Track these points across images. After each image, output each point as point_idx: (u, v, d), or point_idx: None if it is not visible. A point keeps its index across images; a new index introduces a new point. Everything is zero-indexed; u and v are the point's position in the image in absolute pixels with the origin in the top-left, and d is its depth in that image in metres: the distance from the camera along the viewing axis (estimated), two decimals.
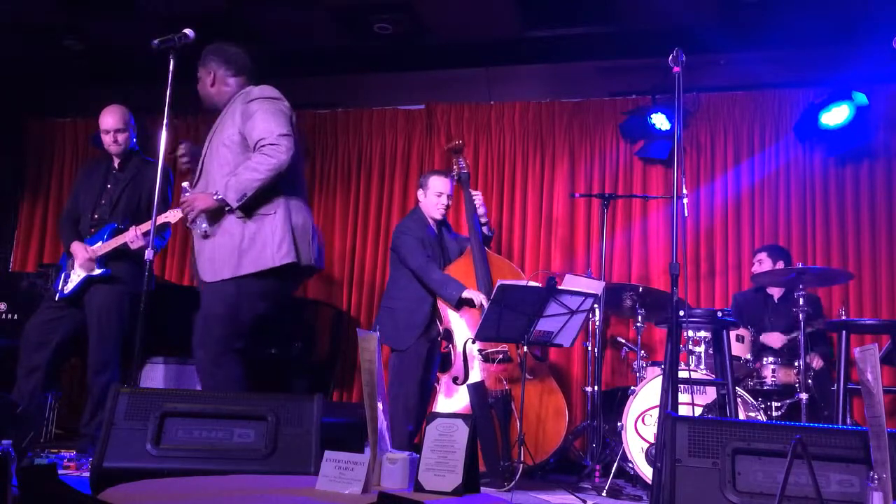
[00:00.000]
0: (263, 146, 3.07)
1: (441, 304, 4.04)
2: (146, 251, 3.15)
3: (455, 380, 4.00)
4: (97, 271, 3.94)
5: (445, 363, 4.11)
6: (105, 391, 3.42)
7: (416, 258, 4.04)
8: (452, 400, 3.97)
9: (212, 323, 3.09)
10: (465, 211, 4.37)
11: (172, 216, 3.88)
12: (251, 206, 3.10)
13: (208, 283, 3.14)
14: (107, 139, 4.09)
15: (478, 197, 4.35)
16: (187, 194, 3.18)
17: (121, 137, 4.07)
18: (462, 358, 4.00)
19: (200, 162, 3.28)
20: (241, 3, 4.89)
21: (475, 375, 3.98)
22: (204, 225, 3.13)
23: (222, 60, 3.33)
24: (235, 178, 3.08)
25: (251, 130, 3.12)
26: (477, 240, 4.19)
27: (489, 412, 3.84)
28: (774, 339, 4.41)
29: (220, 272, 3.11)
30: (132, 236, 3.87)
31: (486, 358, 4.01)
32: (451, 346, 4.07)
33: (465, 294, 3.95)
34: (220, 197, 3.09)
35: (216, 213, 3.13)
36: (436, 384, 4.11)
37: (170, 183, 4.12)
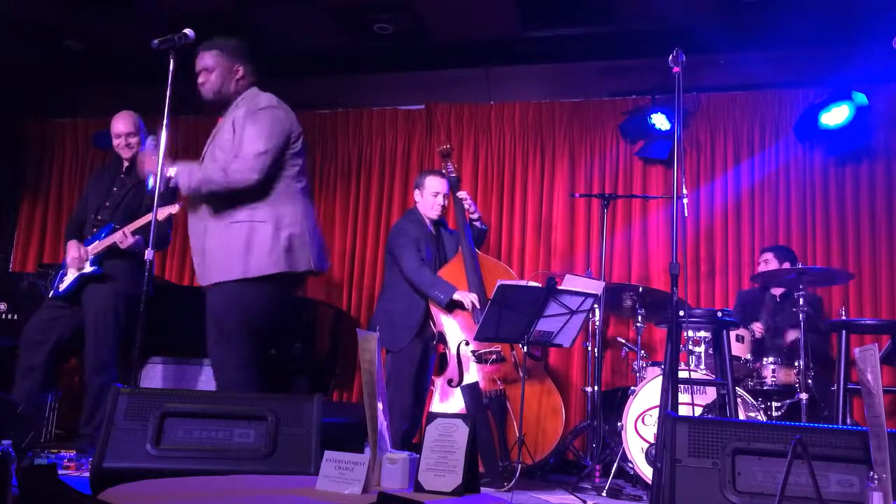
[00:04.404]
0: (242, 160, 3.06)
1: (433, 307, 4.05)
2: (146, 251, 3.13)
3: (450, 382, 4.00)
4: (89, 269, 3.94)
5: (441, 366, 4.11)
6: (103, 392, 3.42)
7: (407, 261, 4.04)
8: (448, 402, 3.97)
9: (224, 324, 3.09)
10: (454, 214, 4.37)
11: (161, 213, 3.85)
12: (243, 213, 3.09)
13: (218, 284, 3.11)
14: (118, 143, 4.15)
15: (465, 197, 4.34)
16: (145, 150, 3.17)
17: (132, 141, 4.12)
18: (456, 360, 4.00)
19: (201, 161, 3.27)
20: (241, 3, 4.88)
21: (470, 377, 3.98)
22: (151, 180, 3.13)
23: (244, 53, 3.28)
24: (202, 170, 3.10)
25: (242, 140, 3.09)
26: (467, 243, 4.19)
27: (485, 413, 3.83)
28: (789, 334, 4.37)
29: (227, 273, 3.08)
30: (120, 236, 3.89)
31: (480, 359, 4.01)
32: (445, 348, 4.07)
33: (456, 296, 3.96)
34: (174, 176, 3.09)
35: (218, 209, 3.12)
36: (431, 387, 4.11)
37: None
